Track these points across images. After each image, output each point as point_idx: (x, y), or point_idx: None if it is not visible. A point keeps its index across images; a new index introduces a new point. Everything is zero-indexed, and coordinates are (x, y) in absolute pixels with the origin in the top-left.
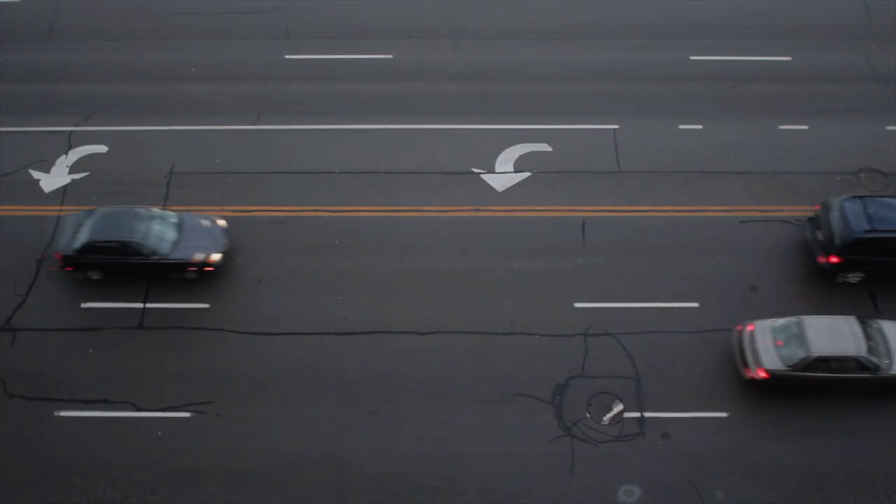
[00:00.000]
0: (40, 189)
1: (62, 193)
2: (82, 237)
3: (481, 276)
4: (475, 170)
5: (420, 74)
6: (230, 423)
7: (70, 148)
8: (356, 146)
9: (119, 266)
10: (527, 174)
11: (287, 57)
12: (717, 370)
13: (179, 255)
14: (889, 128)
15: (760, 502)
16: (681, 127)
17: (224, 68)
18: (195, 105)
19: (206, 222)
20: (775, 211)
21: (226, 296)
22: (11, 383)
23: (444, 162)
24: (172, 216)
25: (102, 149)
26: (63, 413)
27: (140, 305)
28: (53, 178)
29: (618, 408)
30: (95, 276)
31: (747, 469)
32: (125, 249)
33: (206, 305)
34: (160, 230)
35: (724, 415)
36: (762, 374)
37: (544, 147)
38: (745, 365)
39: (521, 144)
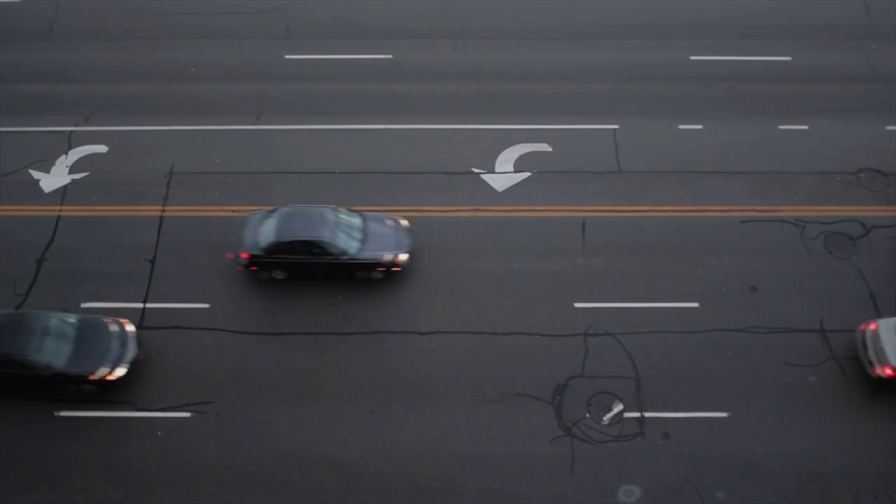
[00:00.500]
0: (40, 189)
1: (62, 193)
2: (269, 236)
3: (481, 276)
4: (475, 170)
5: (420, 74)
6: (230, 423)
7: (70, 148)
8: (356, 146)
9: (307, 266)
10: (527, 174)
11: (287, 57)
12: (717, 370)
13: (368, 255)
14: (889, 128)
15: (760, 502)
16: (681, 127)
17: (224, 68)
18: (195, 105)
19: (389, 222)
20: (775, 211)
21: (226, 296)
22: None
23: (444, 162)
24: (356, 215)
25: (102, 149)
26: (63, 413)
27: (140, 305)
28: (53, 178)
29: (618, 408)
30: (279, 276)
31: (747, 469)
32: (315, 249)
33: (206, 305)
34: (347, 229)
35: (724, 415)
36: (889, 373)
37: (544, 147)
38: (871, 363)
39: (521, 144)
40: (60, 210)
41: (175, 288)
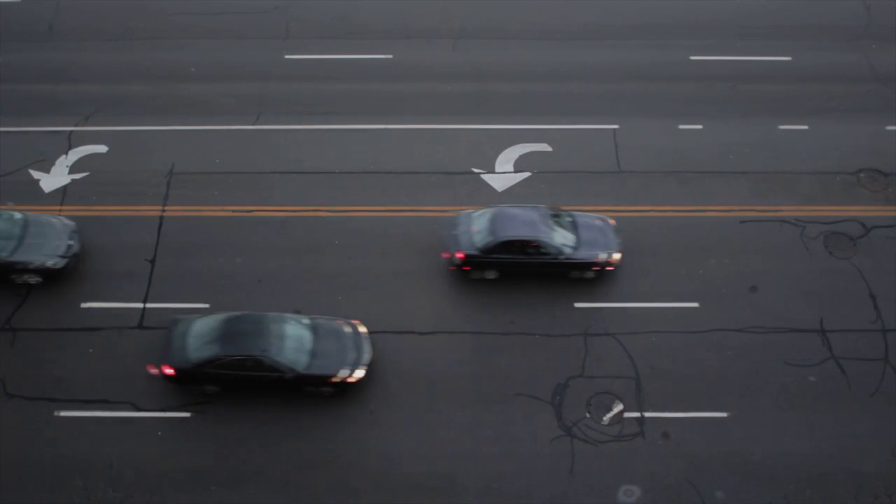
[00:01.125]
0: (40, 189)
1: (62, 193)
2: (486, 236)
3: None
4: (475, 170)
5: (420, 74)
6: (230, 423)
7: (70, 148)
8: (356, 146)
9: (523, 266)
10: (527, 174)
11: (287, 57)
12: (717, 370)
13: (584, 255)
14: (889, 128)
15: (760, 502)
16: (681, 127)
17: (224, 68)
18: (195, 105)
19: (598, 221)
20: (775, 211)
21: (226, 296)
22: (11, 383)
23: (444, 162)
24: (567, 215)
25: (102, 149)
26: (63, 413)
27: (140, 305)
28: (53, 178)
29: (618, 408)
30: (491, 275)
31: (747, 469)
32: (529, 249)
33: (207, 305)
34: (562, 229)
35: (724, 415)
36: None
37: (544, 147)
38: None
39: (521, 144)
40: (60, 210)
41: (175, 288)
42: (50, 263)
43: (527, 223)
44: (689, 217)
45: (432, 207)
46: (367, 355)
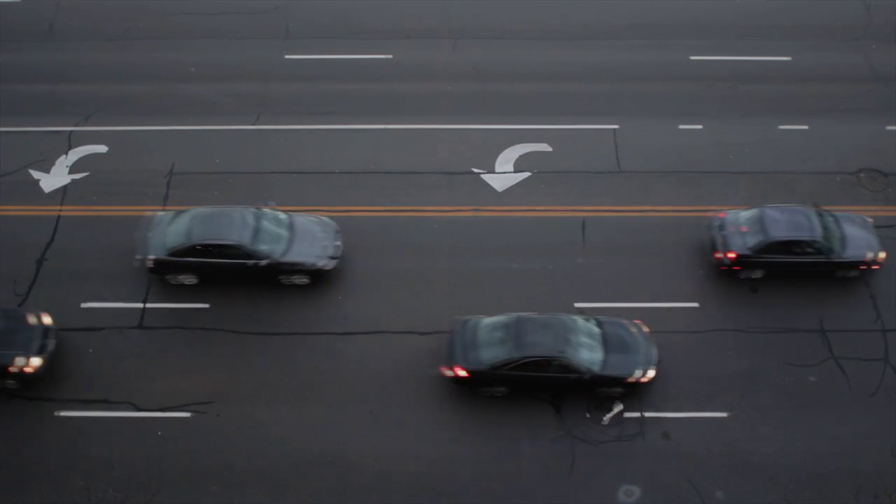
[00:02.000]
0: (40, 189)
1: (62, 193)
2: (757, 236)
3: (481, 276)
4: (475, 170)
5: (420, 74)
6: (230, 423)
7: (70, 148)
8: (356, 146)
9: (792, 266)
10: (527, 174)
11: (287, 57)
12: (717, 370)
13: (852, 254)
14: (889, 128)
15: (760, 502)
16: (681, 127)
17: (224, 68)
18: (195, 105)
19: (858, 219)
20: None
21: (226, 296)
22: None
23: (444, 162)
24: (828, 214)
25: (102, 149)
26: (63, 413)
27: (140, 305)
28: (53, 178)
29: (618, 408)
30: (757, 275)
31: (747, 469)
32: (795, 248)
33: (206, 305)
34: (829, 228)
35: (724, 415)
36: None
37: (544, 147)
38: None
39: (521, 144)
40: (60, 210)
41: (175, 288)
42: (321, 264)
43: (797, 224)
44: (689, 217)
45: (432, 207)
46: (654, 355)
